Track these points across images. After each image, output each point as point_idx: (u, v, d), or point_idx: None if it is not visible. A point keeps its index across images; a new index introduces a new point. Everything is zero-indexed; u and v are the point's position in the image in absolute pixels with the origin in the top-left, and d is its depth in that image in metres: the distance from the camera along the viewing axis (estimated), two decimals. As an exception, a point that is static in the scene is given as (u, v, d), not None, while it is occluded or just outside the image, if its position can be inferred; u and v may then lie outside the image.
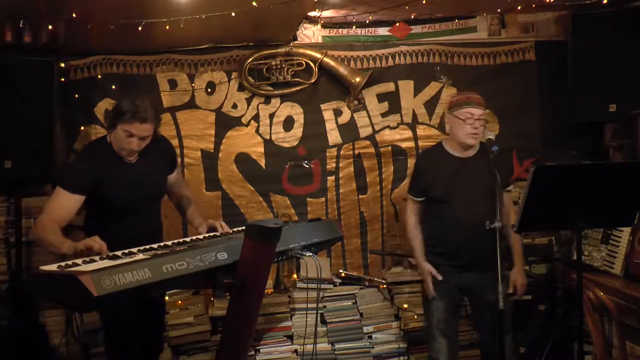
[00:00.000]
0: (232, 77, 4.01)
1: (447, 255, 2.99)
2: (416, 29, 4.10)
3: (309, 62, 3.98)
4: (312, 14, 3.77)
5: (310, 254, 2.55)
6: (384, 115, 4.12)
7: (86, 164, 2.73)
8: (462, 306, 3.27)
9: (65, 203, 2.62)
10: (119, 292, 1.93)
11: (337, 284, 3.83)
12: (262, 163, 4.07)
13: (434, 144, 4.05)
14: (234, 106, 4.04)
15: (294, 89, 4.03)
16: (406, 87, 4.12)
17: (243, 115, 4.05)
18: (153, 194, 2.91)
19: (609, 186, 2.49)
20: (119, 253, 2.27)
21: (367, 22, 3.95)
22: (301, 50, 3.99)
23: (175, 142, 3.89)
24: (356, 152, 4.12)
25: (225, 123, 4.03)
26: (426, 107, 4.13)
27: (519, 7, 3.82)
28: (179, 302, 3.64)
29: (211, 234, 2.76)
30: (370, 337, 3.75)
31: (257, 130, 4.06)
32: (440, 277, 3.00)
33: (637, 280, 2.99)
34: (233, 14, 3.16)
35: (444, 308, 3.00)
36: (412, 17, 3.96)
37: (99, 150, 2.77)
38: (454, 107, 2.98)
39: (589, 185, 2.47)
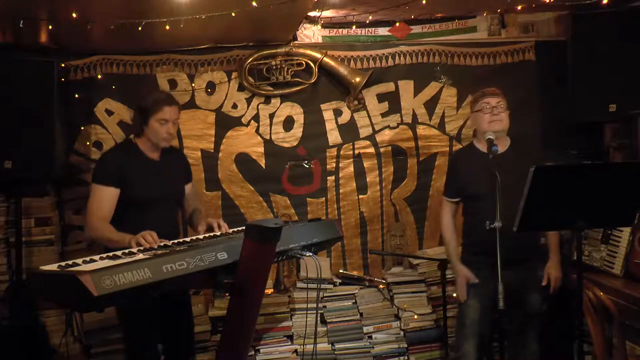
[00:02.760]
0: (232, 77, 4.01)
1: (485, 254, 2.88)
2: (416, 29, 4.10)
3: (309, 62, 3.98)
4: (312, 14, 3.76)
5: (310, 254, 2.55)
6: (384, 115, 4.12)
7: (113, 157, 2.95)
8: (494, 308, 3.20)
9: (105, 197, 2.80)
10: (119, 292, 1.93)
11: (337, 284, 3.83)
12: (262, 163, 4.07)
13: (433, 144, 4.11)
14: (234, 106, 4.04)
15: (294, 89, 4.02)
16: (406, 87, 4.12)
17: (243, 115, 4.05)
18: (172, 192, 3.04)
19: (609, 186, 2.49)
20: (119, 253, 2.27)
21: (367, 22, 3.95)
22: (301, 50, 3.99)
23: (175, 142, 3.89)
24: (356, 152, 4.12)
25: (225, 123, 4.03)
26: (426, 107, 4.13)
27: (519, 7, 3.81)
28: (179, 302, 3.64)
29: (211, 234, 2.76)
30: (370, 337, 3.75)
31: (257, 130, 4.06)
32: (476, 281, 2.99)
33: (637, 280, 2.99)
34: (233, 14, 3.16)
35: (480, 309, 2.98)
36: (412, 17, 3.96)
37: (125, 147, 3.00)
38: (474, 105, 3.08)
39: (589, 185, 2.47)
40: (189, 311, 3.12)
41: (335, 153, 4.12)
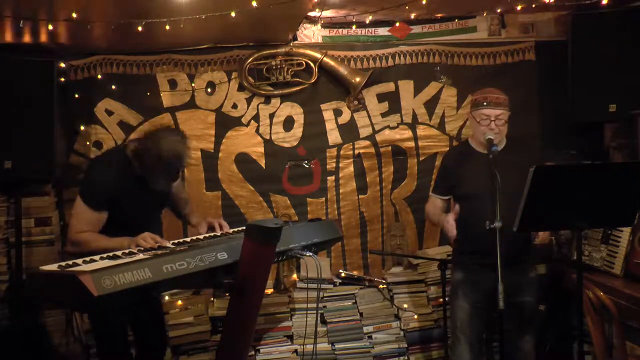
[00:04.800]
0: (232, 77, 4.01)
1: (478, 254, 2.86)
2: (416, 29, 4.10)
3: (309, 62, 3.98)
4: (312, 14, 3.77)
5: (310, 254, 2.55)
6: (384, 115, 4.12)
7: (104, 177, 2.73)
8: (487, 309, 3.16)
9: (91, 219, 2.66)
10: (119, 292, 1.93)
11: (337, 284, 3.83)
12: (262, 163, 4.07)
13: (433, 144, 4.11)
14: (234, 106, 4.04)
15: (294, 89, 4.02)
16: (406, 87, 4.12)
17: (243, 115, 4.05)
18: (161, 202, 2.96)
19: (609, 186, 2.48)
20: (119, 253, 2.27)
21: (367, 22, 3.95)
22: (301, 50, 3.99)
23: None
24: (356, 152, 4.13)
25: (225, 123, 4.03)
26: (426, 107, 4.13)
27: (519, 7, 3.82)
28: (179, 302, 3.64)
29: (211, 234, 2.76)
30: (370, 337, 3.75)
31: (257, 130, 4.06)
32: (454, 233, 2.83)
33: (637, 280, 2.99)
34: (233, 14, 3.16)
35: (469, 310, 2.94)
36: (412, 17, 3.96)
37: (115, 162, 2.78)
38: (472, 108, 2.96)
39: (589, 185, 2.47)
40: (158, 302, 3.10)
41: (335, 153, 4.12)
